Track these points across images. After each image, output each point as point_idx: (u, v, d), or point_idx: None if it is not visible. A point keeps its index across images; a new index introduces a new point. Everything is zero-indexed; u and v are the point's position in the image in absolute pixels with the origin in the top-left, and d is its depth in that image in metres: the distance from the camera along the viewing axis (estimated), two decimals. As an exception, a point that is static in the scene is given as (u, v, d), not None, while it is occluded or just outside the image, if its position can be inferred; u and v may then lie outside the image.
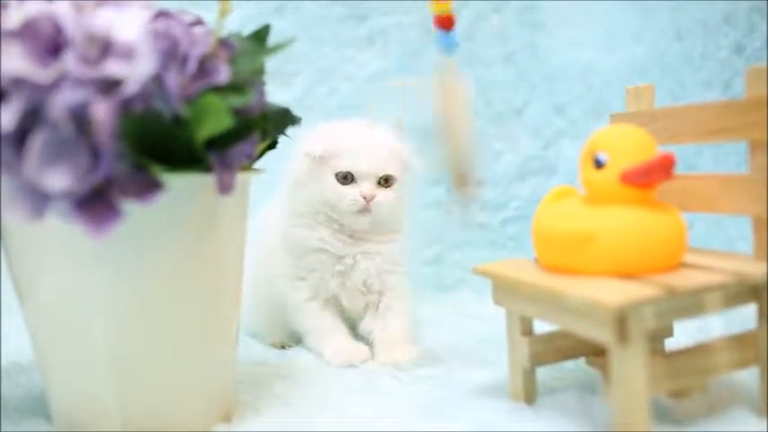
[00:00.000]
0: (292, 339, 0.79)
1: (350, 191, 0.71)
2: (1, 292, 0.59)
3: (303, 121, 0.61)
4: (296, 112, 0.60)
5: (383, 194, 0.72)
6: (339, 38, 1.14)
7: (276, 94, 0.58)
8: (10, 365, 0.70)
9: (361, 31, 1.15)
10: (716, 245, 0.58)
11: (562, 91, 1.22)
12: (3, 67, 0.40)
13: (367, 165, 0.71)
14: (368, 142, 0.71)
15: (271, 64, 0.55)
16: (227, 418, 0.55)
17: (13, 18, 0.42)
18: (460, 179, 0.57)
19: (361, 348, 0.71)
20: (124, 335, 0.48)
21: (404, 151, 0.73)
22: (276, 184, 0.76)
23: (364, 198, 0.70)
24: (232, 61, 0.48)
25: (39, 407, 0.58)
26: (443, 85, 0.57)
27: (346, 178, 0.71)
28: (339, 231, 0.73)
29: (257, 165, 0.58)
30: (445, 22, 0.59)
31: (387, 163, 0.72)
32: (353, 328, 0.76)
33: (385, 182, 0.72)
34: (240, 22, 1.02)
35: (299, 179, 0.73)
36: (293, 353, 0.75)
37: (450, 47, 0.59)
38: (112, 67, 0.41)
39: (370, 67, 1.15)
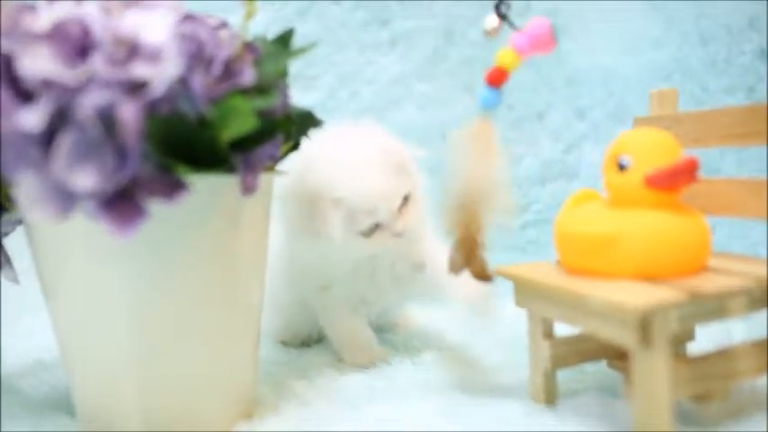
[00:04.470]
0: (311, 339, 0.79)
1: (379, 237, 0.63)
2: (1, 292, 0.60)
3: (325, 124, 0.61)
4: (318, 115, 0.60)
5: (406, 215, 0.65)
6: (361, 42, 1.14)
7: (299, 97, 0.58)
8: (35, 363, 0.71)
9: (384, 34, 1.15)
10: (738, 249, 0.58)
11: (584, 95, 1.21)
12: (32, 68, 0.40)
13: (389, 205, 0.63)
14: (375, 177, 0.63)
15: (294, 67, 0.55)
16: (248, 416, 0.55)
17: (43, 20, 0.42)
18: (467, 246, 0.55)
19: (381, 349, 0.71)
20: (147, 333, 0.48)
21: (404, 157, 0.66)
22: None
23: (397, 236, 0.64)
24: (256, 64, 0.48)
25: (63, 404, 0.58)
26: (477, 143, 0.55)
27: (372, 230, 0.63)
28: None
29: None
30: (499, 78, 0.55)
31: (400, 183, 0.64)
32: (379, 329, 0.76)
33: (404, 201, 0.64)
34: (264, 26, 1.03)
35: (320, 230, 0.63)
36: (313, 352, 0.75)
37: (493, 105, 0.56)
38: (139, 69, 0.41)
39: (392, 71, 1.15)
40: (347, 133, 0.67)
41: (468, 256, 0.56)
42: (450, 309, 0.68)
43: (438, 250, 0.66)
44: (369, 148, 0.64)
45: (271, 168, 0.55)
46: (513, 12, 0.54)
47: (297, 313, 0.77)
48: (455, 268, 0.57)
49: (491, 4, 0.56)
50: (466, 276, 0.58)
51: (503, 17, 0.56)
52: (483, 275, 0.56)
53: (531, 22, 0.55)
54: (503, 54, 0.55)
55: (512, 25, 0.56)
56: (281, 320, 0.79)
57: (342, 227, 0.62)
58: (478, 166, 0.55)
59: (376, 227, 0.63)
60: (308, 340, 0.79)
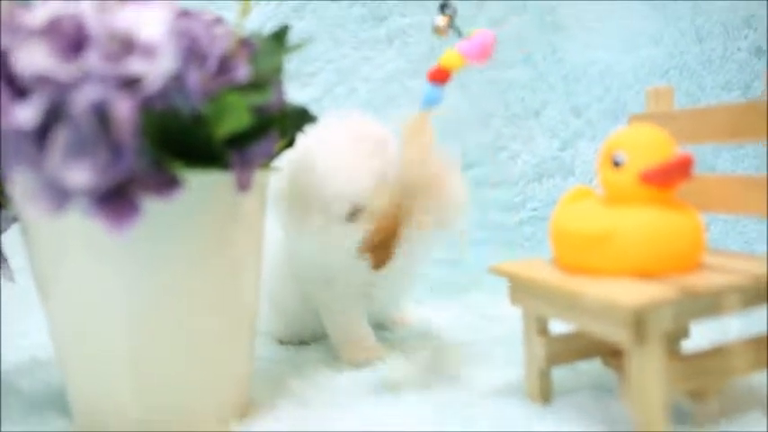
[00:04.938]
0: (308, 338, 0.79)
1: (364, 222, 0.60)
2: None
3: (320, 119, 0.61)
4: (315, 112, 0.60)
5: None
6: (358, 38, 1.14)
7: (295, 94, 0.58)
8: (31, 361, 0.71)
9: (380, 31, 1.15)
10: (734, 246, 0.58)
11: (580, 92, 1.21)
12: (27, 64, 0.40)
13: (361, 184, 0.62)
14: (344, 159, 0.63)
15: (290, 64, 0.55)
16: (244, 415, 0.55)
17: (38, 16, 0.42)
18: (385, 232, 0.56)
19: (378, 347, 0.71)
20: (142, 332, 0.48)
21: (381, 139, 0.66)
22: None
23: None
24: (252, 60, 0.48)
25: (58, 403, 0.58)
26: (413, 138, 0.56)
27: (354, 214, 0.63)
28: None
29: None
30: (443, 77, 0.57)
31: (373, 165, 0.63)
32: (376, 327, 0.76)
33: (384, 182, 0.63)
34: (260, 22, 1.03)
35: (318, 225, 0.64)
36: (310, 351, 0.75)
37: (435, 101, 0.57)
38: (134, 65, 0.41)
39: (389, 68, 1.15)
40: (331, 125, 0.67)
41: (382, 242, 0.56)
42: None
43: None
44: (337, 135, 0.65)
45: (266, 165, 0.55)
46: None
47: (294, 312, 0.77)
48: (365, 248, 0.57)
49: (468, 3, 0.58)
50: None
51: (449, 17, 0.58)
52: (379, 264, 0.57)
53: (478, 31, 0.58)
54: (448, 55, 0.57)
55: (457, 30, 0.58)
56: (279, 319, 0.78)
57: (321, 216, 0.62)
58: (414, 160, 0.56)
59: (357, 210, 0.62)
60: (306, 339, 0.79)
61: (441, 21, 0.58)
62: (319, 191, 0.62)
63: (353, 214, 0.63)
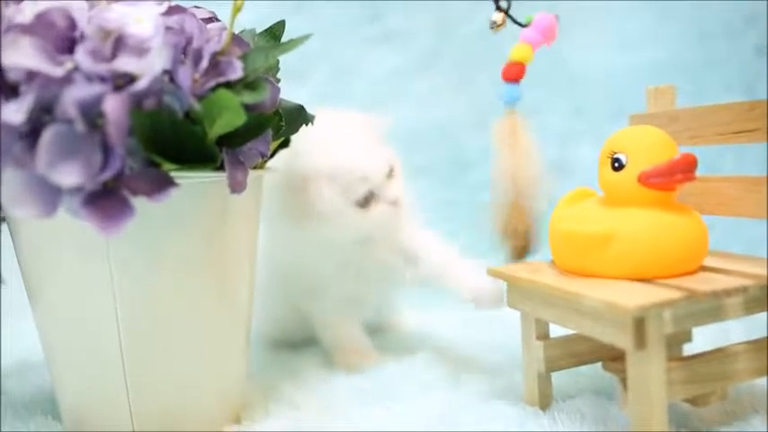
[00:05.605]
0: (302, 341, 0.78)
1: (377, 208, 0.63)
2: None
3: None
4: (311, 110, 0.59)
5: (396, 186, 0.65)
6: (355, 37, 1.14)
7: (291, 92, 0.57)
8: (20, 364, 0.70)
9: (377, 29, 1.14)
10: (736, 248, 0.57)
11: (581, 93, 1.21)
12: (15, 61, 0.39)
13: (379, 169, 0.63)
14: (361, 144, 0.64)
15: (286, 62, 0.54)
16: (237, 419, 0.54)
17: (27, 12, 0.41)
18: (516, 236, 0.56)
19: (373, 352, 0.70)
20: (134, 334, 0.47)
21: (383, 130, 0.67)
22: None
23: (394, 204, 0.63)
24: (245, 58, 0.47)
25: (48, 405, 0.58)
26: (507, 138, 0.56)
27: (368, 199, 0.63)
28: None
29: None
30: (517, 73, 0.57)
31: (384, 153, 0.65)
32: (372, 331, 0.75)
33: (391, 171, 0.64)
34: (256, 20, 1.02)
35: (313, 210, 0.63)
36: (303, 354, 0.74)
37: (515, 99, 0.58)
38: (125, 63, 0.41)
39: (386, 67, 1.14)
40: (326, 116, 0.65)
41: (521, 251, 0.57)
42: (452, 299, 0.68)
43: (431, 240, 0.67)
44: (349, 123, 0.66)
45: (261, 165, 0.54)
46: (512, 5, 0.55)
47: (288, 315, 0.76)
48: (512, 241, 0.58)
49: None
50: (473, 270, 0.60)
51: (505, 12, 0.59)
52: (522, 253, 0.58)
53: (537, 16, 0.59)
54: (517, 49, 0.57)
55: (515, 21, 0.59)
56: (272, 322, 0.78)
57: (337, 200, 0.61)
58: (516, 162, 0.56)
59: (371, 196, 0.62)
60: (300, 341, 0.79)
61: (497, 16, 0.59)
62: (338, 174, 0.61)
63: (367, 199, 0.62)
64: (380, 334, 0.81)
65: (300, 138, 0.61)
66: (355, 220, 0.63)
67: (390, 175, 0.64)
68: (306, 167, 0.62)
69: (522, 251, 0.57)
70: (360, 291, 0.70)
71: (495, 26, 0.59)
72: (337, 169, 0.61)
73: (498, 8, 0.58)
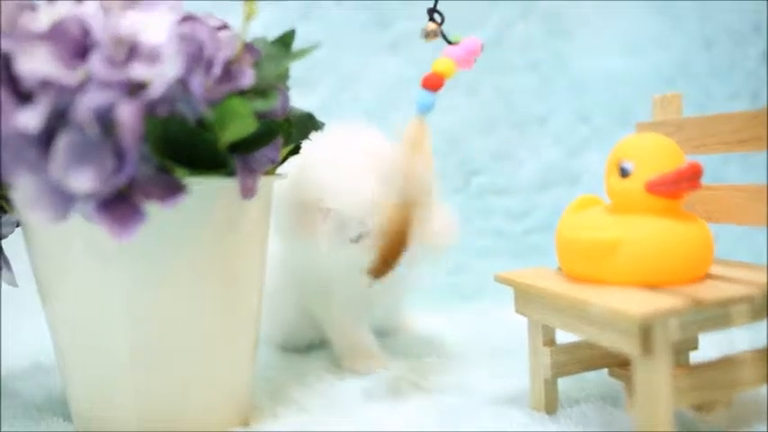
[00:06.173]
0: (310, 345, 0.79)
1: (366, 243, 0.61)
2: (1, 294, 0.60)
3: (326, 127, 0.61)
4: (319, 118, 0.60)
5: None
6: (363, 44, 1.14)
7: (300, 99, 0.58)
8: (32, 365, 0.71)
9: (385, 37, 1.15)
10: (742, 257, 0.57)
11: (587, 99, 1.21)
12: (30, 68, 0.40)
13: (376, 212, 0.60)
14: (363, 186, 0.62)
15: (295, 70, 0.55)
16: (245, 422, 0.55)
17: (42, 20, 0.42)
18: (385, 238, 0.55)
19: (380, 356, 0.71)
20: (144, 337, 0.48)
21: (387, 151, 0.65)
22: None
23: None
24: (257, 65, 0.48)
25: (59, 407, 0.58)
26: (413, 140, 0.56)
27: (361, 236, 0.62)
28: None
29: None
30: (437, 83, 0.56)
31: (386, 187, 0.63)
32: (379, 334, 0.75)
33: None
34: (265, 27, 1.03)
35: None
36: (311, 358, 0.75)
37: (429, 108, 0.57)
38: (138, 70, 0.41)
39: (394, 74, 1.14)
40: (338, 138, 0.66)
41: (388, 254, 0.55)
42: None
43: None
44: (357, 155, 0.64)
45: (271, 172, 0.54)
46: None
47: (296, 319, 0.76)
48: (372, 262, 0.56)
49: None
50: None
51: (438, 24, 0.59)
52: (380, 275, 0.56)
53: (466, 38, 0.59)
54: (440, 62, 0.57)
55: (445, 37, 0.59)
56: (281, 326, 0.78)
57: (332, 236, 0.62)
58: (416, 169, 0.55)
59: (366, 233, 0.62)
60: (304, 347, 0.79)
61: (430, 26, 0.59)
62: (335, 212, 0.61)
63: (360, 236, 0.62)
64: (388, 337, 0.81)
65: (307, 156, 0.61)
66: (346, 252, 0.63)
67: None
68: (309, 193, 0.63)
69: (382, 264, 0.56)
70: (370, 292, 0.70)
71: (427, 36, 0.59)
72: (339, 211, 0.61)
73: (432, 20, 0.59)
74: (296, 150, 0.59)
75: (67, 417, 0.55)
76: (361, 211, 0.61)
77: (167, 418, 0.49)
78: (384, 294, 0.73)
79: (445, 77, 0.57)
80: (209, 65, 0.45)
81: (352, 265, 0.62)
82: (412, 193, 0.54)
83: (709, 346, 0.57)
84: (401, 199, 0.54)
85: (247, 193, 0.47)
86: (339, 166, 0.62)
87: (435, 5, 0.59)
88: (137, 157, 0.41)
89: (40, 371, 0.68)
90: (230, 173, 0.46)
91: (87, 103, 0.40)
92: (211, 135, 0.44)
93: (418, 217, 0.55)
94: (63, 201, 0.41)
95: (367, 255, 0.58)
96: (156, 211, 0.43)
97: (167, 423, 0.49)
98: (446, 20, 0.59)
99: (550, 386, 0.54)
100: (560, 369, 0.53)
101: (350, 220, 0.62)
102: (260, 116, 0.45)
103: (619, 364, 0.55)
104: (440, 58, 0.57)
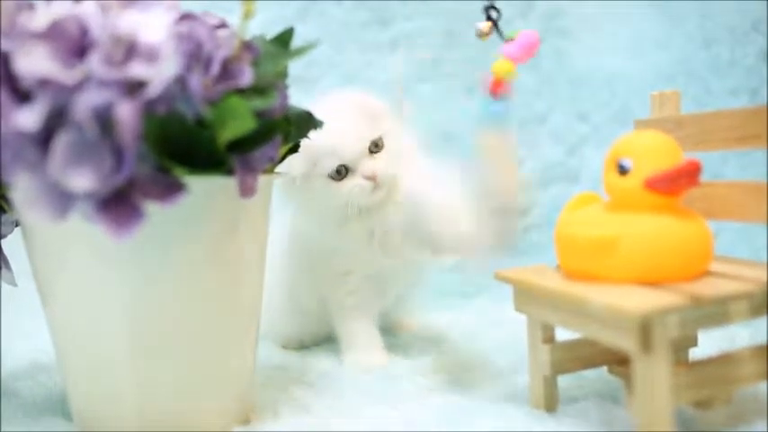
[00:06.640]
0: (309, 342, 0.79)
1: (350, 181, 0.66)
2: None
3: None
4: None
5: (381, 161, 0.67)
6: (362, 42, 1.14)
7: (299, 98, 0.58)
8: (32, 365, 0.71)
9: (385, 35, 1.15)
10: (742, 254, 0.57)
11: (586, 97, 1.21)
12: (29, 67, 0.40)
13: (351, 146, 0.65)
14: (338, 122, 0.65)
15: (294, 68, 0.55)
16: (246, 420, 0.55)
17: (40, 19, 0.42)
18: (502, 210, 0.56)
19: (384, 355, 0.71)
20: (144, 335, 0.48)
21: (377, 108, 0.70)
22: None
23: (369, 179, 0.65)
24: (255, 64, 0.48)
25: (59, 406, 0.58)
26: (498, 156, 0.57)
27: (340, 173, 0.66)
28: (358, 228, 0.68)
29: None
30: (503, 89, 0.57)
31: (367, 128, 0.67)
32: (381, 332, 0.75)
33: (375, 147, 0.67)
34: (264, 26, 1.03)
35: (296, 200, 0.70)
36: (312, 356, 0.75)
37: (501, 116, 0.58)
38: (137, 69, 0.41)
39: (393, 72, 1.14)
40: (323, 99, 0.70)
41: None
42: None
43: (429, 185, 0.65)
44: (338, 100, 0.69)
45: (270, 170, 0.54)
46: (516, 12, 0.55)
47: (297, 317, 0.77)
48: None
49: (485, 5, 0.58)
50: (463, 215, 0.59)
51: (494, 22, 0.59)
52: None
53: (521, 32, 0.59)
54: (499, 65, 0.58)
55: (500, 34, 0.59)
56: (282, 324, 0.78)
57: (303, 168, 0.66)
58: (507, 184, 0.57)
59: (346, 171, 0.66)
60: (307, 343, 0.79)
61: (484, 25, 0.59)
62: (308, 145, 0.62)
63: (339, 172, 0.66)
64: (391, 334, 0.81)
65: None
66: (326, 191, 0.66)
67: (375, 151, 0.67)
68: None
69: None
70: (386, 277, 0.72)
71: (481, 35, 0.59)
72: (307, 145, 0.62)
73: (489, 18, 0.59)
74: (295, 148, 0.59)
75: (67, 416, 0.55)
76: (331, 144, 0.65)
77: (167, 418, 0.49)
78: (397, 278, 0.74)
79: (507, 79, 0.58)
80: (207, 63, 0.45)
81: (339, 206, 0.66)
82: (510, 201, 0.55)
83: (709, 343, 0.57)
84: (502, 207, 0.56)
85: (247, 191, 0.47)
86: (324, 113, 0.61)
87: (493, 1, 0.59)
88: (135, 156, 0.41)
89: (40, 371, 0.68)
90: (229, 171, 0.46)
91: (86, 102, 0.40)
92: (210, 134, 0.43)
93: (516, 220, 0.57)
94: (62, 200, 0.41)
95: (354, 192, 0.64)
96: (155, 210, 0.43)
97: (167, 422, 0.49)
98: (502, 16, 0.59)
99: (550, 384, 0.54)
100: (560, 367, 0.53)
101: (321, 154, 0.65)
102: (259, 115, 0.45)
103: (618, 362, 0.55)
104: (498, 60, 0.58)
